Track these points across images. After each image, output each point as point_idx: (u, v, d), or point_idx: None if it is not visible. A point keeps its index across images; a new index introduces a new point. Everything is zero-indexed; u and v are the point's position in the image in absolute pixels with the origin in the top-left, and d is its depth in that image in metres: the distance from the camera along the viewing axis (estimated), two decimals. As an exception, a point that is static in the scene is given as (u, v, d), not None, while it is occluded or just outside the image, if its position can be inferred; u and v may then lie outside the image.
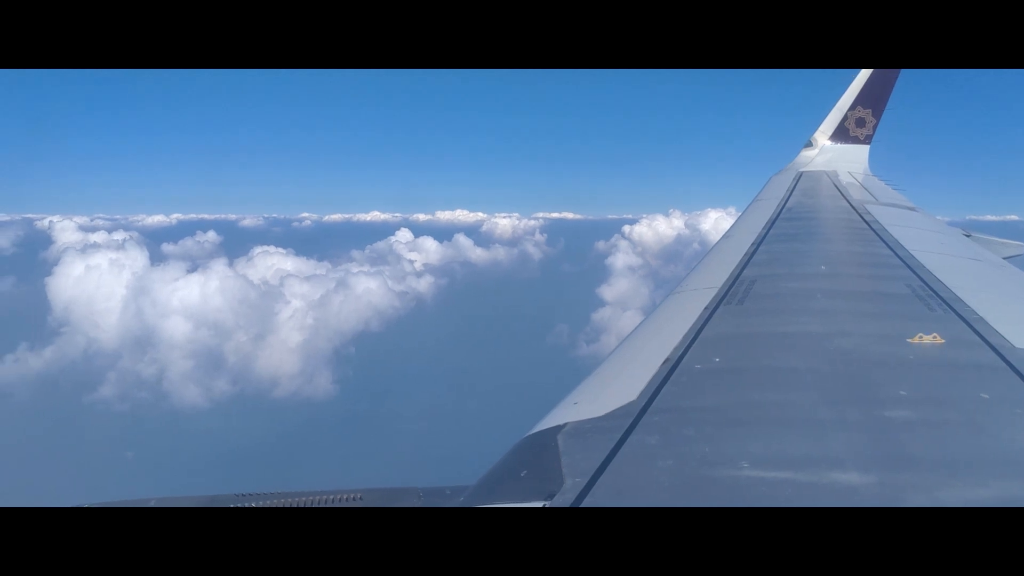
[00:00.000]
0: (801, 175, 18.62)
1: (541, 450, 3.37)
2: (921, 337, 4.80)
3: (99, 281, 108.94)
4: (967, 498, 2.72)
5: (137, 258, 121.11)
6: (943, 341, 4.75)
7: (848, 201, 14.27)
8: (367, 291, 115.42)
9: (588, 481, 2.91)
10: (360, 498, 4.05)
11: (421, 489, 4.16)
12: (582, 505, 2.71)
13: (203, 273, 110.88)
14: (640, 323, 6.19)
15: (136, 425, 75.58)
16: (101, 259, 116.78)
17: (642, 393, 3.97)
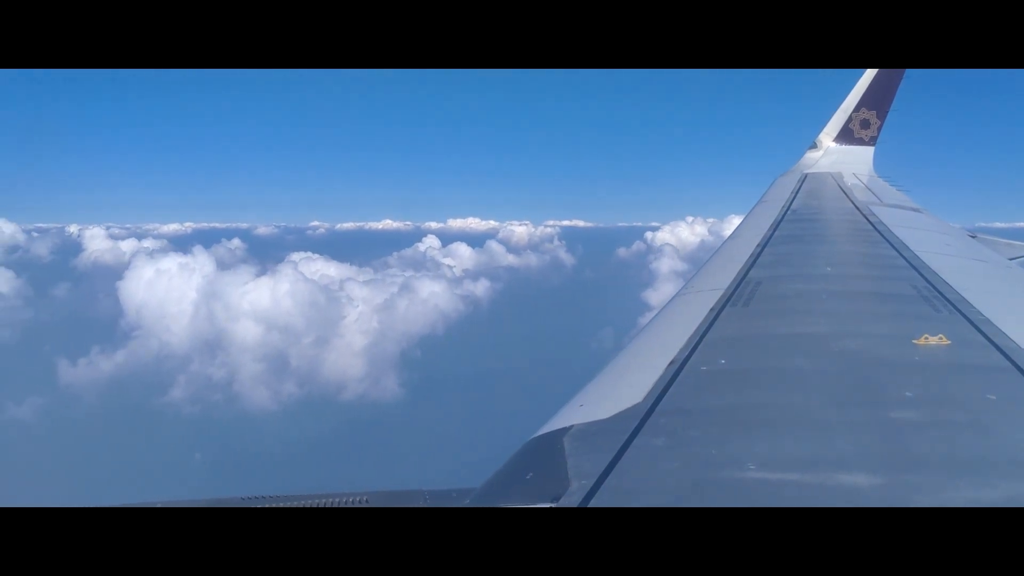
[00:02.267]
0: (806, 177, 18.60)
1: (547, 452, 3.37)
2: (927, 338, 4.79)
3: (169, 285, 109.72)
4: (974, 499, 2.72)
5: (205, 263, 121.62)
6: (949, 342, 4.74)
7: (853, 202, 14.25)
8: (432, 294, 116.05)
9: (594, 483, 2.91)
10: (366, 500, 4.05)
11: (427, 492, 4.16)
12: (589, 505, 2.71)
13: (272, 276, 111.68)
14: (646, 325, 6.18)
15: (205, 427, 76.04)
16: (171, 263, 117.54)
17: (648, 395, 3.97)
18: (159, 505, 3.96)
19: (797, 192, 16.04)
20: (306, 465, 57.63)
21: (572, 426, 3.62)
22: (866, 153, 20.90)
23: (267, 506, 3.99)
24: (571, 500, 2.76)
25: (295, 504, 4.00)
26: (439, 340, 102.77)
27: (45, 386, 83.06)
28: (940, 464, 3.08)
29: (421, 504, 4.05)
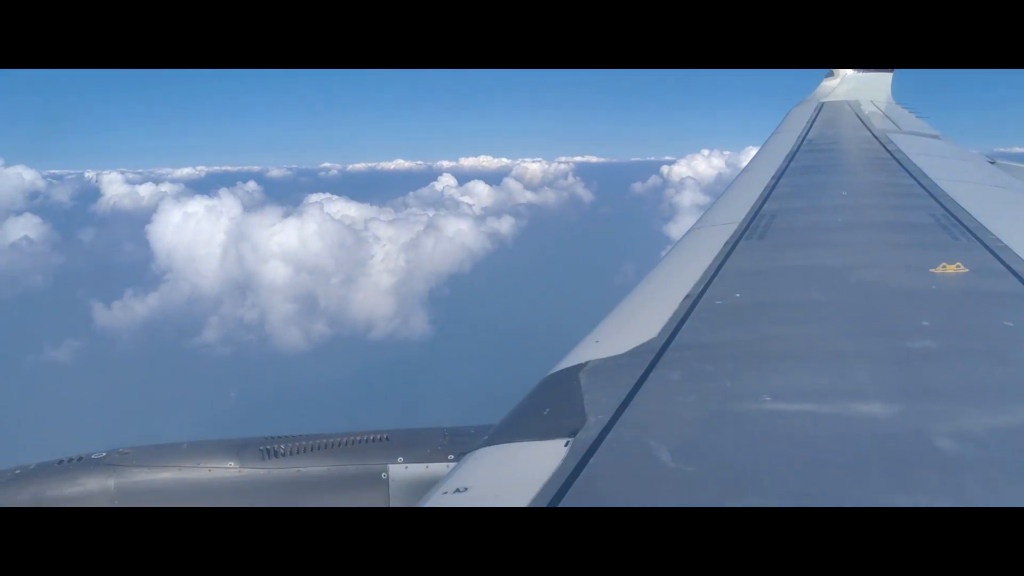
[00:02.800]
0: (822, 106, 18.33)
1: (563, 388, 3.40)
2: (944, 267, 4.76)
3: (197, 228, 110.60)
4: (990, 426, 2.73)
5: (232, 205, 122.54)
6: (967, 270, 4.72)
7: (870, 131, 14.05)
8: (458, 232, 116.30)
9: (611, 418, 2.93)
10: (386, 438, 4.11)
11: (446, 429, 4.21)
12: (606, 439, 2.74)
13: (299, 217, 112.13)
14: (660, 260, 6.17)
15: (238, 367, 77.84)
16: (197, 206, 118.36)
17: (663, 330, 3.98)
18: (182, 463, 4.02)
19: (813, 121, 15.82)
20: (337, 402, 58.62)
21: (588, 362, 3.64)
22: (884, 80, 20.53)
23: (286, 448, 4.06)
24: (588, 435, 2.79)
25: (307, 444, 4.06)
26: (466, 278, 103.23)
27: (81, 329, 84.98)
28: (957, 392, 3.09)
29: (441, 439, 4.10)
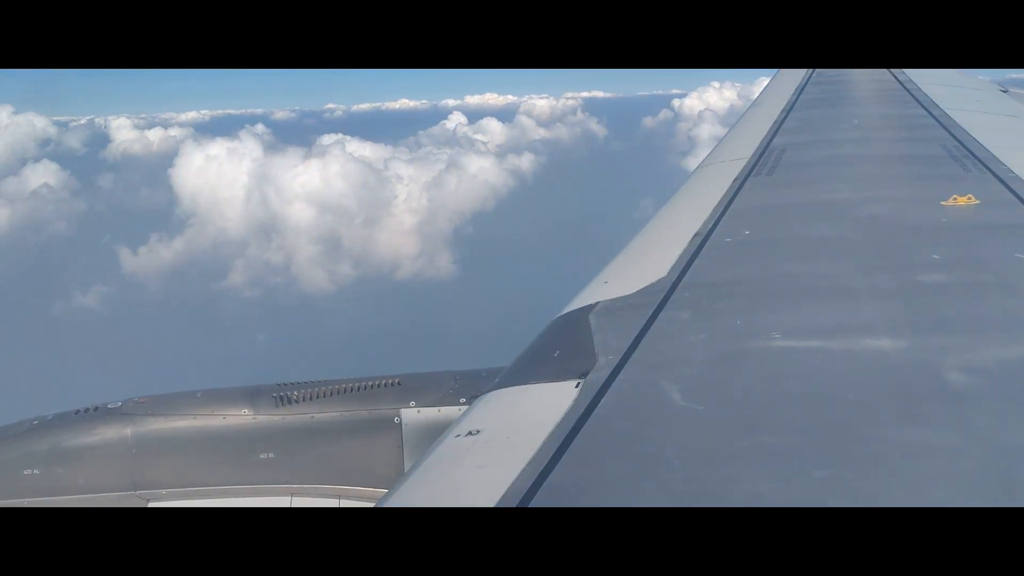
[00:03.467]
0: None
1: (573, 330, 3.41)
2: (955, 199, 4.72)
3: (220, 171, 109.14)
4: (1000, 358, 2.73)
5: (254, 147, 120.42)
6: (978, 202, 4.68)
7: (880, 61, 13.81)
8: (481, 170, 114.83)
9: (621, 358, 2.94)
10: (398, 383, 4.14)
11: (457, 372, 4.24)
12: (617, 379, 2.75)
13: (322, 158, 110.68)
14: (669, 199, 6.14)
15: (266, 310, 78.14)
16: (219, 149, 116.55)
17: (672, 268, 3.97)
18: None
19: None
20: (364, 343, 58.92)
21: (598, 303, 3.64)
22: None
23: (297, 395, 4.10)
24: (599, 375, 2.80)
25: (321, 390, 4.10)
26: (489, 216, 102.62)
27: (108, 275, 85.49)
28: (967, 325, 3.08)
29: (452, 383, 4.13)
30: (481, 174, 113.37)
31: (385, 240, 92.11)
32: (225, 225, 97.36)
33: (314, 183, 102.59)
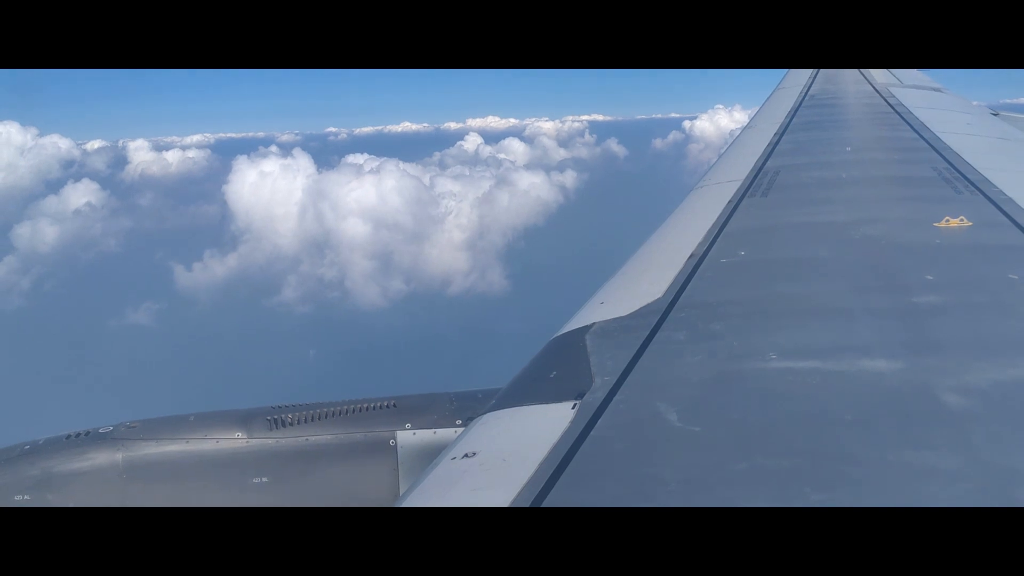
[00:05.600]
0: (823, 60, 18.12)
1: (569, 351, 3.40)
2: (948, 220, 4.74)
3: (274, 187, 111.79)
4: (996, 380, 2.73)
5: (306, 164, 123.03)
6: (970, 224, 4.70)
7: (872, 85, 13.95)
8: (532, 185, 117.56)
9: (617, 379, 2.94)
10: (394, 405, 4.13)
11: (453, 394, 4.23)
12: (613, 401, 2.75)
13: (377, 175, 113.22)
14: (665, 220, 6.15)
15: (317, 326, 78.89)
16: (272, 165, 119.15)
17: (668, 289, 3.97)
18: (188, 436, 4.04)
19: (815, 77, 15.69)
20: (415, 358, 59.13)
21: (594, 324, 3.64)
22: None
23: (291, 417, 4.07)
24: (595, 396, 2.80)
25: (313, 412, 4.07)
26: (539, 231, 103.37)
27: (160, 291, 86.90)
28: (962, 346, 3.09)
29: (448, 405, 4.12)
30: (533, 190, 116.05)
31: (436, 256, 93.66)
32: (278, 241, 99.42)
33: (368, 199, 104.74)
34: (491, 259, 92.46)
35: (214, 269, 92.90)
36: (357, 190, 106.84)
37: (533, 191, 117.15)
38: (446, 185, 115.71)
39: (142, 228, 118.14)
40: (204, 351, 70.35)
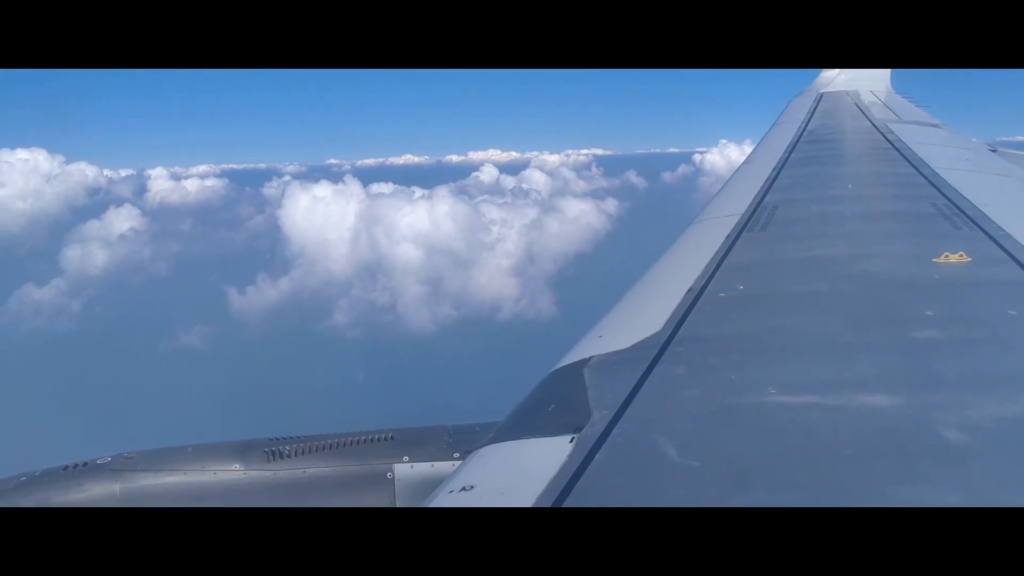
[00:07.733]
0: (822, 96, 18.30)
1: (568, 384, 3.39)
2: (947, 256, 4.75)
3: (327, 212, 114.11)
4: (996, 415, 2.72)
5: (357, 190, 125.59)
6: (969, 259, 4.71)
7: (870, 121, 14.04)
8: (582, 212, 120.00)
9: (615, 413, 2.93)
10: (391, 437, 4.11)
11: (451, 427, 4.21)
12: (611, 435, 2.74)
13: (429, 200, 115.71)
14: (663, 254, 6.17)
15: (366, 350, 79.06)
16: (324, 191, 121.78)
17: (667, 323, 3.97)
18: (183, 469, 4.02)
19: (813, 112, 15.79)
20: (464, 384, 58.88)
21: (591, 357, 3.63)
22: (883, 70, 20.46)
23: (287, 449, 4.06)
24: (593, 430, 2.79)
25: (311, 445, 4.06)
26: (588, 259, 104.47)
27: (213, 314, 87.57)
28: (962, 382, 3.08)
29: (445, 438, 4.10)
30: (582, 216, 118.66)
31: (485, 282, 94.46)
32: (330, 266, 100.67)
33: (421, 224, 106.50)
34: (540, 285, 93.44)
35: (267, 293, 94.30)
36: (410, 215, 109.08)
37: (583, 218, 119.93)
38: (492, 212, 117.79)
39: (189, 252, 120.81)
40: (253, 372, 70.87)
